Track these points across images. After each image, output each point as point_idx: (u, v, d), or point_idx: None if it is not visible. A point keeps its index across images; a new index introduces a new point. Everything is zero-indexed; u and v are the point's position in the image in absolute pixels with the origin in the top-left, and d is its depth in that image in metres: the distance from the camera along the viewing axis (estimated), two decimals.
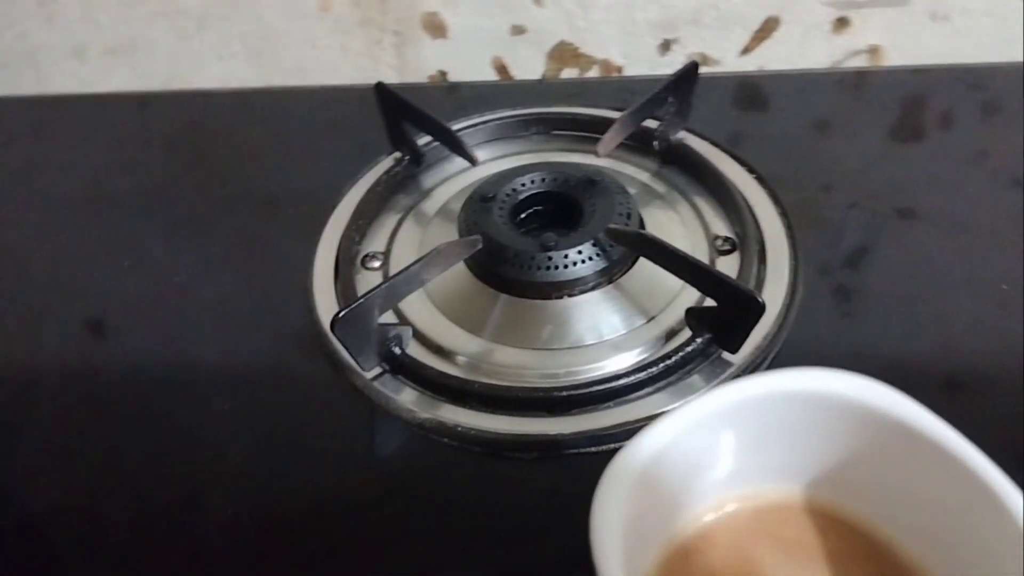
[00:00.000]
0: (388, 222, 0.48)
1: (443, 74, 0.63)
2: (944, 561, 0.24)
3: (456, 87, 0.61)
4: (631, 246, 0.41)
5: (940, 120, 0.56)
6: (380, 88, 0.48)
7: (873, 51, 0.61)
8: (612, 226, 0.41)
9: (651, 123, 0.50)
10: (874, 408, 0.24)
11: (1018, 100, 0.56)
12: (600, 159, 0.48)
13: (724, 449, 0.25)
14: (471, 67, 0.62)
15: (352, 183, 0.50)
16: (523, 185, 0.45)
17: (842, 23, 0.60)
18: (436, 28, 0.61)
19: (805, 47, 0.61)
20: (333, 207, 0.49)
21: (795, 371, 0.25)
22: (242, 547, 0.35)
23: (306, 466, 0.38)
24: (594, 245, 0.41)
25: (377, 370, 0.40)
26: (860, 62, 0.62)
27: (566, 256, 0.41)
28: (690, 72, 0.48)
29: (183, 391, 0.41)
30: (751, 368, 0.39)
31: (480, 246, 0.41)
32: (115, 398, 0.41)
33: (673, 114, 0.49)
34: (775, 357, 0.40)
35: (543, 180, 0.45)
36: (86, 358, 0.43)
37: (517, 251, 0.42)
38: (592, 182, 0.45)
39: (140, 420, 0.40)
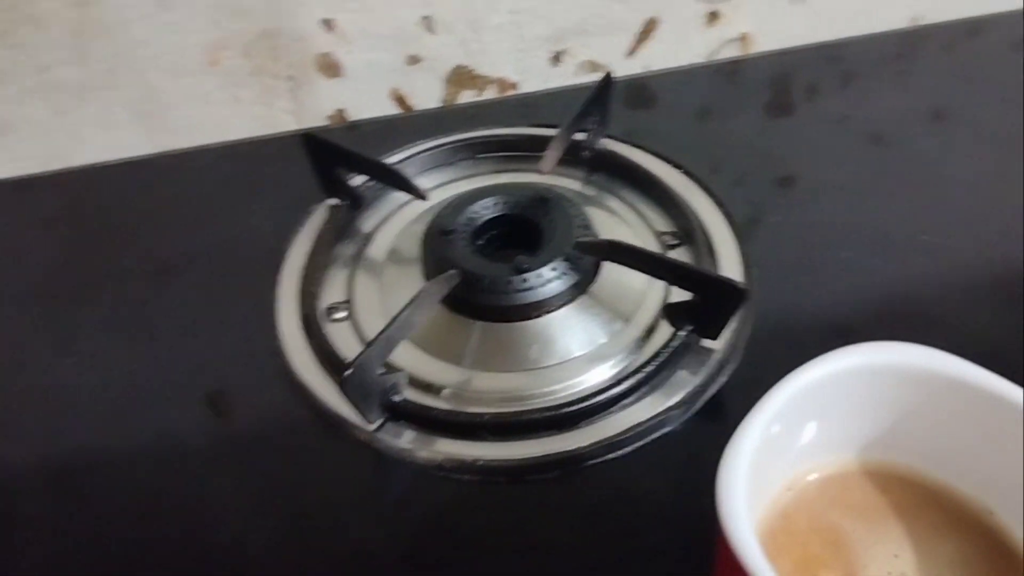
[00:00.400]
0: (340, 271, 0.47)
1: (341, 112, 0.62)
2: (999, 494, 0.27)
3: (357, 125, 0.61)
4: (603, 255, 0.43)
5: (806, 94, 0.61)
6: (309, 138, 0.47)
7: (743, 39, 0.65)
8: (580, 239, 0.43)
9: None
10: (917, 368, 0.26)
11: (869, 67, 0.63)
12: (545, 177, 0.49)
13: (798, 429, 0.27)
14: (369, 102, 0.62)
15: (290, 236, 0.49)
16: (477, 213, 0.46)
17: (714, 16, 0.64)
18: (330, 68, 0.60)
19: (683, 43, 0.64)
20: (277, 264, 0.48)
21: (843, 349, 0.27)
22: None
23: (329, 530, 0.37)
24: (565, 260, 0.43)
25: (379, 421, 0.39)
26: (733, 51, 0.66)
27: (540, 275, 0.42)
28: (606, 83, 0.50)
29: (174, 472, 0.39)
30: (732, 352, 0.41)
31: (458, 280, 0.42)
32: (110, 485, 0.39)
33: (597, 124, 0.51)
34: (751, 337, 0.42)
35: (496, 204, 0.46)
36: (71, 451, 0.40)
37: (492, 278, 0.42)
38: (543, 199, 0.46)
39: (136, 507, 0.38)
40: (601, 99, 0.50)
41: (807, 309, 0.44)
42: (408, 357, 0.42)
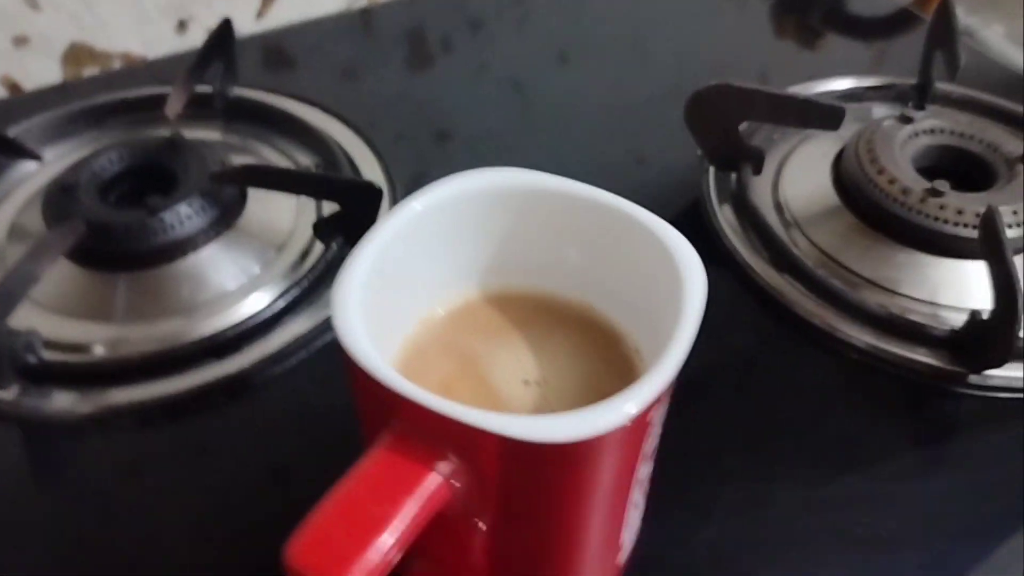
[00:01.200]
0: None
1: None
2: (594, 289, 0.30)
3: None
4: (240, 181, 0.42)
5: (442, 44, 0.64)
6: None
7: None
8: (214, 171, 0.42)
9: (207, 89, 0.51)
10: (505, 187, 0.29)
11: (495, 13, 0.67)
12: (171, 124, 0.47)
13: (423, 260, 0.28)
14: None
15: None
16: (103, 167, 0.43)
17: None
18: None
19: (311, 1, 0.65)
20: None
21: (467, 174, 0.29)
22: None
23: None
24: (202, 196, 0.42)
25: (16, 388, 0.36)
26: (361, 2, 0.67)
27: (177, 214, 0.41)
28: (225, 29, 0.50)
29: None
30: None
31: (83, 229, 0.39)
32: None
33: (223, 72, 0.50)
34: None
35: (122, 157, 0.44)
36: None
37: (125, 225, 0.40)
38: (174, 144, 0.44)
39: None
40: (222, 47, 0.50)
41: None
42: (49, 323, 0.39)
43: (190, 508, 0.34)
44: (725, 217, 0.45)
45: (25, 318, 0.38)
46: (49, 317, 0.39)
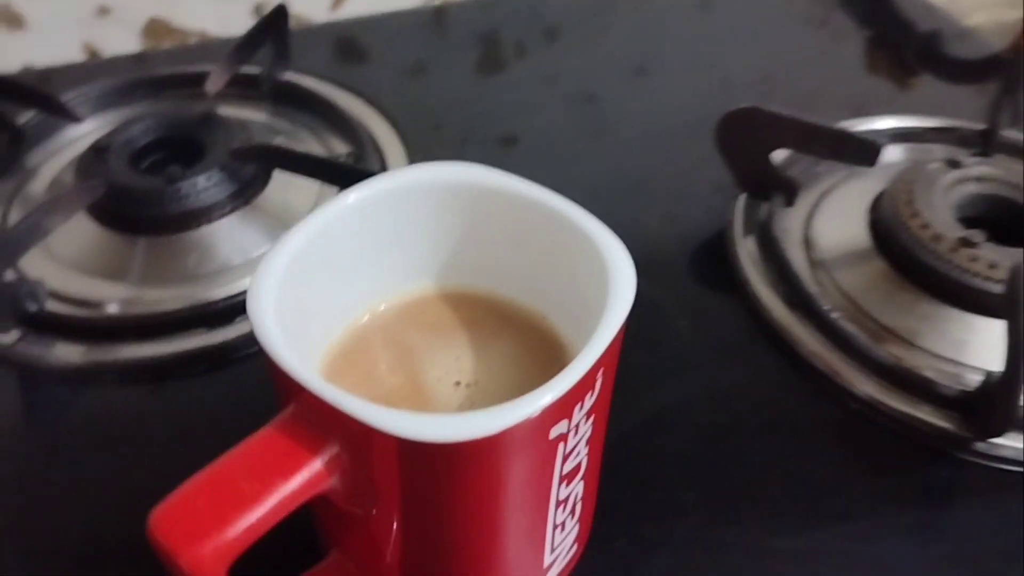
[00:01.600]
0: None
1: (29, 68, 0.60)
2: (551, 300, 0.29)
3: (48, 73, 0.59)
4: (258, 159, 0.43)
5: (515, 50, 0.64)
6: None
7: None
8: (235, 146, 0.43)
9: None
10: (479, 186, 0.28)
11: (573, 24, 0.66)
12: (212, 101, 0.48)
13: (361, 255, 0.28)
14: (59, 57, 0.60)
15: None
16: (137, 133, 0.45)
17: None
18: (12, 20, 0.58)
19: None
20: None
21: (403, 169, 0.28)
22: None
23: None
24: (222, 170, 0.43)
25: (16, 333, 0.38)
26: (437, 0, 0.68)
27: (195, 184, 0.42)
28: (279, 13, 0.51)
29: None
30: None
31: (103, 190, 0.41)
32: None
33: (273, 56, 0.52)
34: None
35: (156, 126, 0.46)
36: None
37: (144, 189, 0.42)
38: (208, 118, 0.46)
39: None
40: (274, 31, 0.51)
41: None
42: (63, 277, 0.41)
43: (161, 464, 0.34)
44: (747, 246, 0.43)
45: (40, 269, 0.40)
46: (65, 271, 0.41)
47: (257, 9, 0.63)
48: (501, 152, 0.52)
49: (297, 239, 0.26)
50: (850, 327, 0.38)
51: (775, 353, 0.39)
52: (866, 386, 0.36)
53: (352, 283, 0.28)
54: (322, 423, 0.22)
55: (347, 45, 0.62)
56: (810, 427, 0.36)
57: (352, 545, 0.28)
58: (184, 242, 0.42)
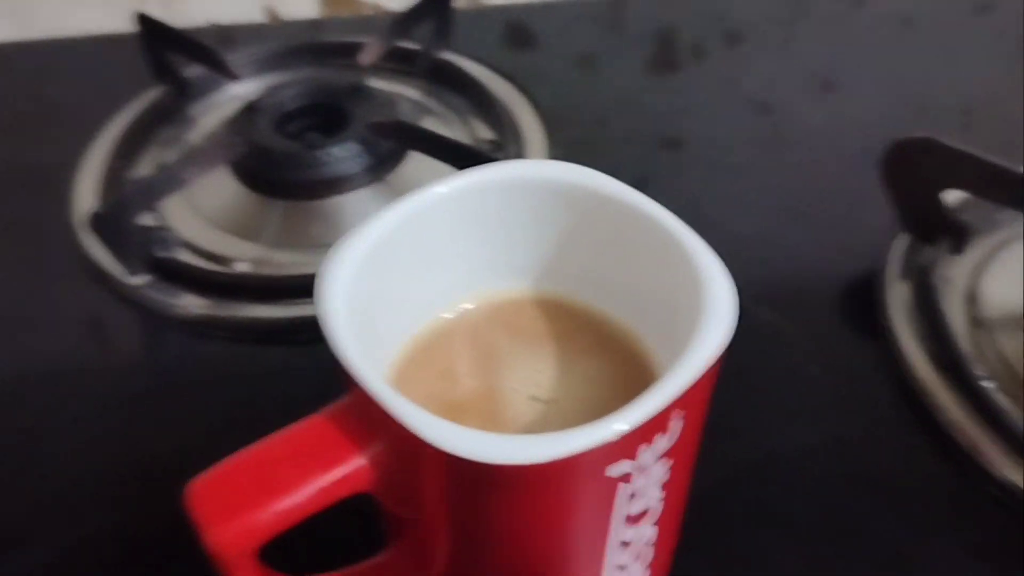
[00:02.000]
0: (153, 151, 0.47)
1: (214, 25, 0.62)
2: (653, 329, 0.27)
3: (229, 31, 0.61)
4: (393, 136, 0.43)
5: (693, 51, 0.61)
6: (143, 18, 0.48)
7: None
8: (375, 120, 0.43)
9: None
10: (585, 189, 0.26)
11: (758, 30, 0.62)
12: (367, 73, 0.49)
13: (452, 248, 0.27)
14: (241, 16, 0.62)
15: (112, 116, 0.49)
16: (286, 96, 0.46)
17: None
18: None
19: None
20: (92, 139, 0.48)
21: (504, 163, 0.27)
22: None
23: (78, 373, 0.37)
24: (360, 142, 0.43)
25: (147, 277, 0.39)
26: None
27: (330, 154, 0.42)
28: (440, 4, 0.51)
29: None
30: None
31: (243, 149, 0.42)
32: None
33: (434, 32, 0.51)
34: None
35: (306, 92, 0.46)
36: None
37: (283, 153, 0.42)
38: (356, 89, 0.46)
39: None
40: (436, 9, 0.51)
41: None
42: (199, 231, 0.42)
43: (246, 424, 0.35)
44: (900, 291, 0.39)
45: (181, 220, 0.42)
46: (202, 225, 0.42)
47: None
48: (662, 155, 0.50)
49: (383, 223, 0.25)
50: (1004, 400, 0.33)
51: (911, 415, 0.35)
52: (1011, 471, 0.32)
53: (441, 275, 0.27)
54: (372, 420, 0.21)
55: (515, 30, 0.61)
56: (936, 505, 0.32)
57: (403, 545, 0.27)
58: (315, 210, 0.43)
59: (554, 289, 0.28)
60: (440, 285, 0.27)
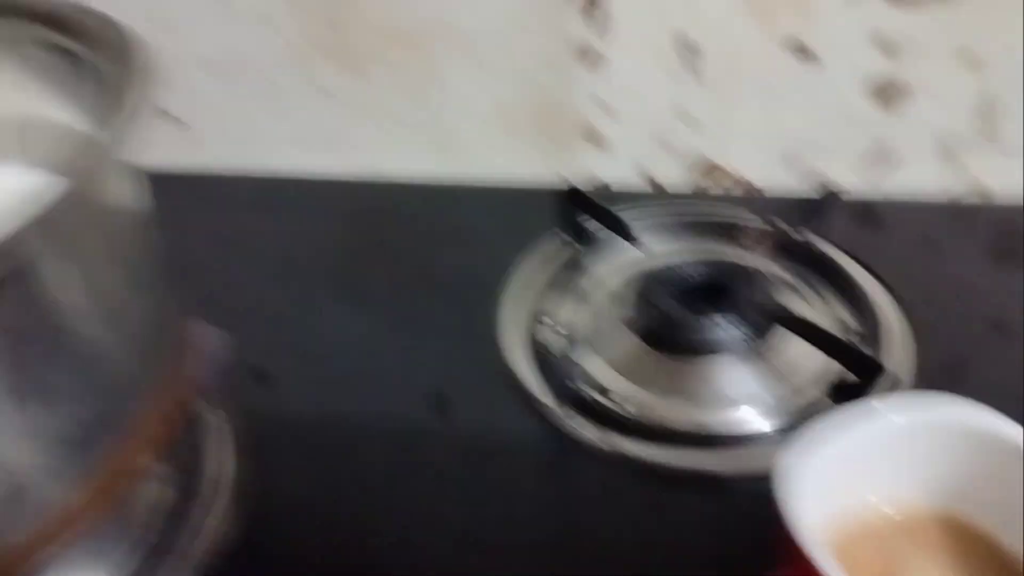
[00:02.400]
0: (563, 296, 0.57)
1: (605, 184, 0.71)
2: None
3: (616, 196, 0.68)
4: (772, 317, 0.50)
5: None
6: (573, 191, 0.60)
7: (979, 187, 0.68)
8: (759, 300, 0.51)
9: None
10: (993, 433, 0.31)
11: None
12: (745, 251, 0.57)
13: (883, 462, 0.32)
14: (617, 175, 0.71)
15: (524, 259, 0.60)
16: (684, 272, 0.55)
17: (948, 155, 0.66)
18: (596, 139, 0.70)
19: (919, 177, 0.68)
20: (508, 277, 0.59)
21: (943, 405, 0.32)
22: None
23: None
24: (740, 316, 0.51)
25: (558, 406, 0.49)
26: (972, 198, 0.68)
27: (714, 322, 0.50)
28: (828, 197, 0.59)
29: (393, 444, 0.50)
30: None
31: (648, 315, 0.51)
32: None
33: (815, 228, 0.59)
34: None
35: (703, 273, 0.55)
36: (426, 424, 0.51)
37: (678, 318, 0.51)
38: (744, 271, 0.55)
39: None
40: (822, 209, 0.58)
41: None
42: (608, 375, 0.51)
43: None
44: None
45: (593, 364, 0.52)
46: (604, 368, 0.52)
47: (809, 180, 0.68)
48: (984, 335, 0.52)
49: (847, 436, 0.31)
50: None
51: None
52: None
53: (866, 484, 0.33)
54: None
55: (867, 216, 0.65)
56: None
57: None
58: (694, 367, 0.50)
59: (957, 509, 0.33)
60: (866, 491, 0.33)
